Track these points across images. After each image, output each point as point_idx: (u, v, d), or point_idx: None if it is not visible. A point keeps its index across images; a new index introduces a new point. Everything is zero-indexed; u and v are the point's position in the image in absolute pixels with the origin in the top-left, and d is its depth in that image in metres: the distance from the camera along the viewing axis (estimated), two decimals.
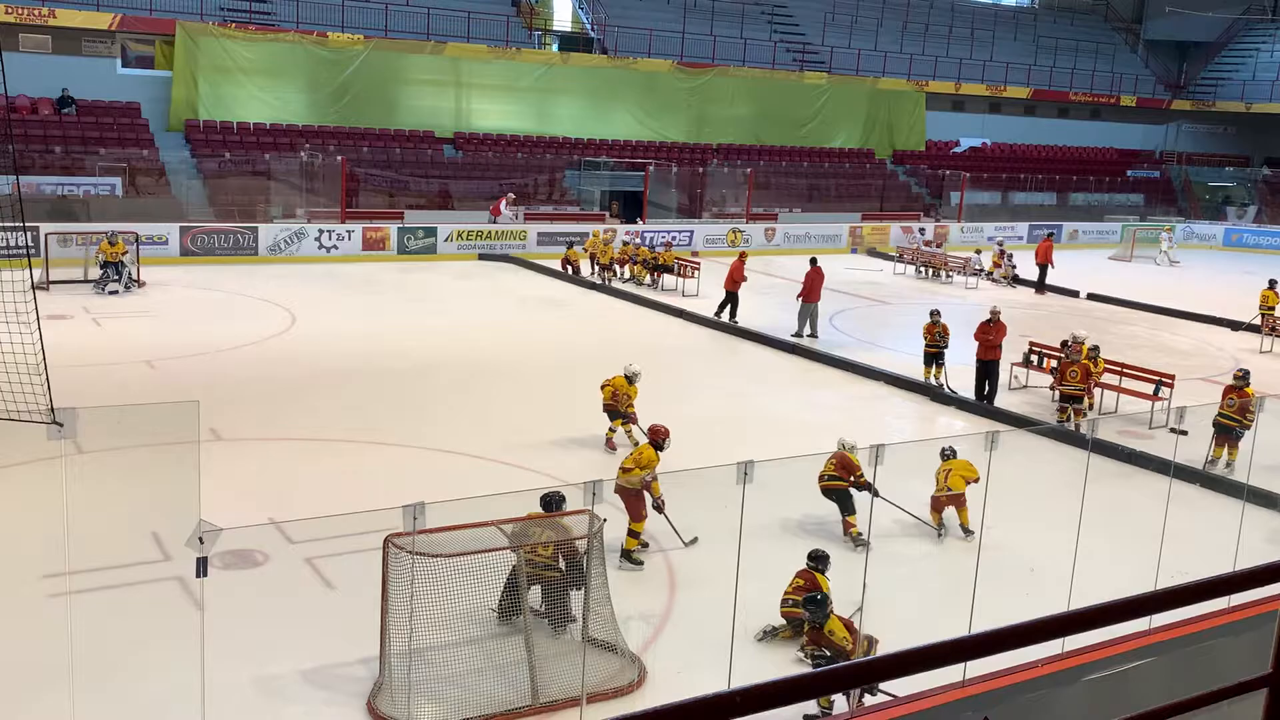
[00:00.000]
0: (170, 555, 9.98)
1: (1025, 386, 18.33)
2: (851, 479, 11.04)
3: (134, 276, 23.10)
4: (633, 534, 10.60)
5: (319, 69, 33.78)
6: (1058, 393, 16.44)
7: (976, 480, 10.62)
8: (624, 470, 10.93)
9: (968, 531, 11.25)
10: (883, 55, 44.47)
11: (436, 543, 7.95)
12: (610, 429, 14.12)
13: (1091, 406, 16.70)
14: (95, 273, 22.86)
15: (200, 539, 6.39)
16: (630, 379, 14.14)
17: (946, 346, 17.86)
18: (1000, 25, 50.29)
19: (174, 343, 18.59)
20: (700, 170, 38.19)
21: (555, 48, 39.69)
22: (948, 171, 42.74)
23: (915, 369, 18.36)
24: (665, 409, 16.61)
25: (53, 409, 11.60)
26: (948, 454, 11.78)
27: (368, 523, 10.15)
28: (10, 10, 28.46)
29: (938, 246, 34.72)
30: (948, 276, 31.08)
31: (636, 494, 10.56)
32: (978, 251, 32.08)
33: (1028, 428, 15.56)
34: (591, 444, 14.42)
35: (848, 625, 8.47)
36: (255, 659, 8.50)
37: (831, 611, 8.42)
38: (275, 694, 8.20)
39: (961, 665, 5.57)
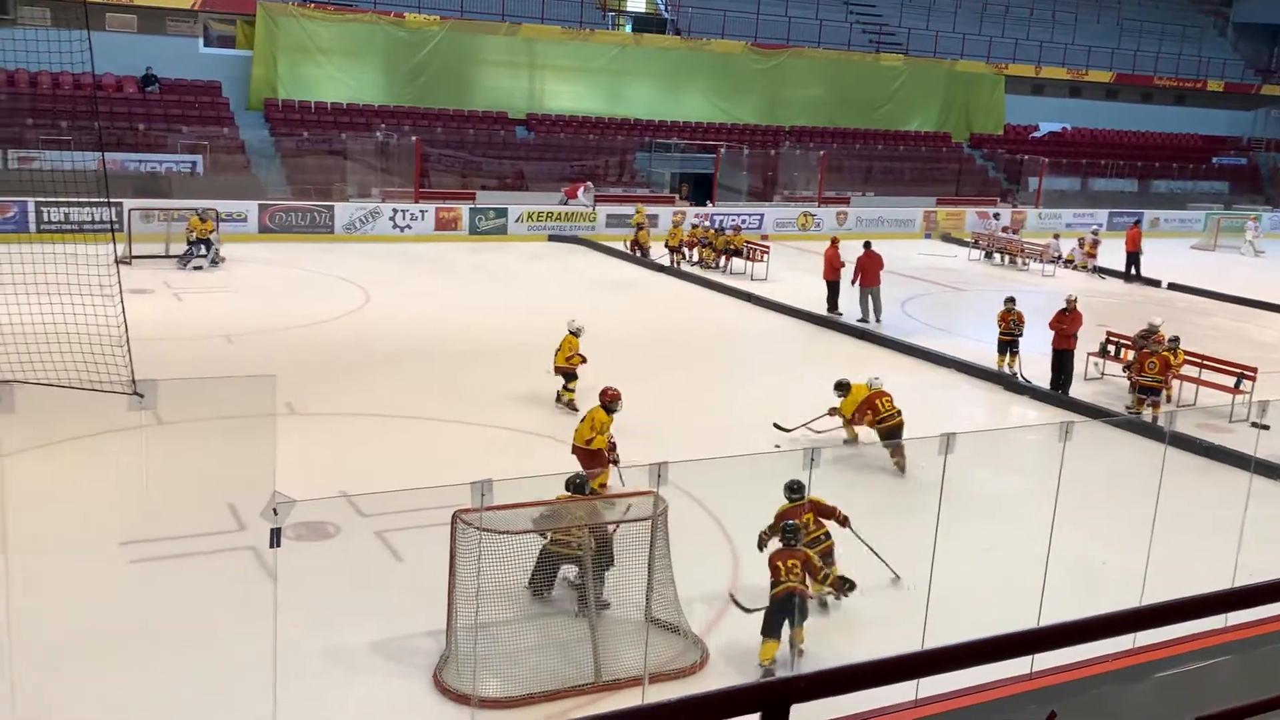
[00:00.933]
0: (245, 525, 10.22)
1: (1102, 377, 17.97)
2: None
3: (220, 253, 23.57)
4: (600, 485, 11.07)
5: (395, 49, 34.11)
6: (1134, 383, 16.09)
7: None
8: (581, 435, 11.39)
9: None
10: (961, 37, 43.69)
11: (503, 519, 8.03)
12: (566, 389, 14.71)
13: (1169, 399, 16.32)
14: (182, 248, 23.36)
15: (275, 510, 6.53)
16: (575, 334, 14.90)
17: (1021, 335, 17.55)
18: (1083, 7, 49.09)
19: (251, 318, 18.96)
20: (772, 153, 37.91)
21: (629, 29, 39.61)
22: (1026, 156, 41.92)
23: (988, 357, 18.08)
24: (730, 391, 16.61)
25: (134, 381, 11.92)
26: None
27: (436, 498, 10.28)
28: None
29: (1014, 233, 34.10)
30: (1023, 263, 30.53)
31: (590, 454, 11.21)
32: (1056, 237, 31.45)
33: (1103, 419, 15.26)
34: (653, 427, 14.43)
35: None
36: (325, 629, 8.67)
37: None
38: (344, 664, 8.36)
39: (1029, 658, 5.50)
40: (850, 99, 41.06)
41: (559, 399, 14.72)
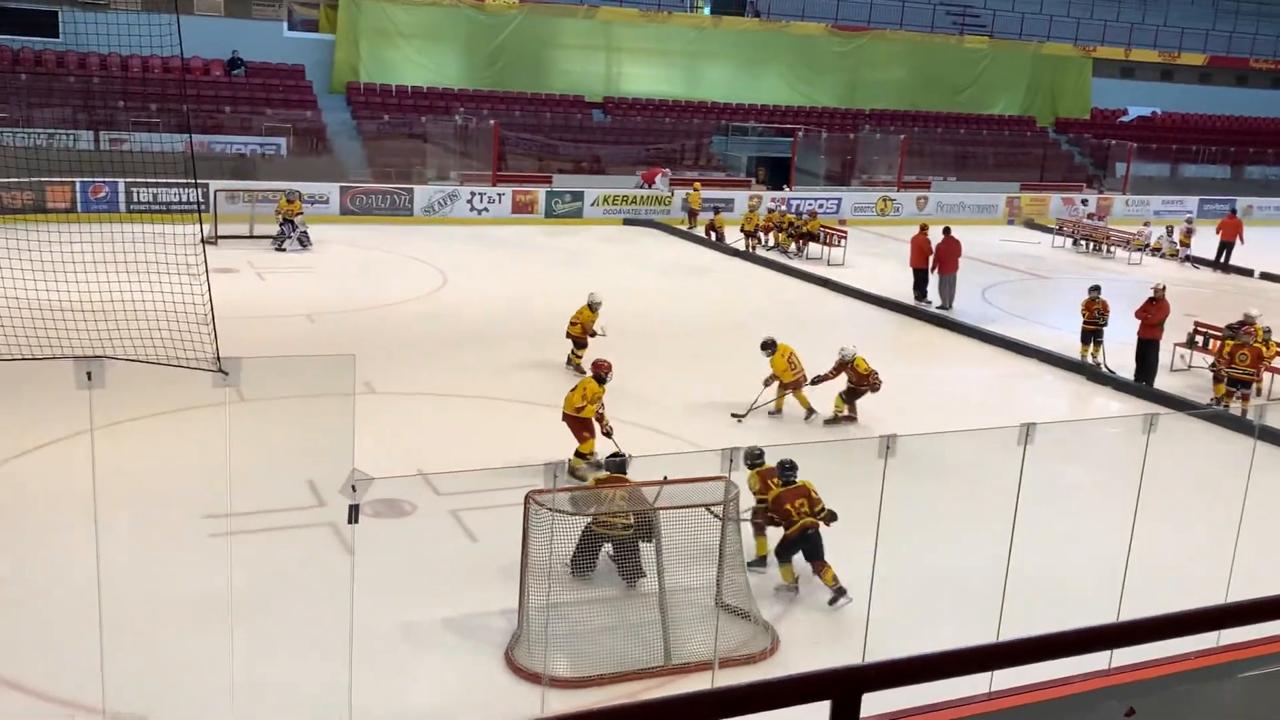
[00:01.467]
0: (324, 501, 10.41)
1: (1188, 368, 17.49)
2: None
3: (308, 235, 23.99)
4: (580, 455, 11.70)
5: (474, 33, 34.34)
6: (1221, 375, 15.62)
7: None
8: (572, 403, 11.78)
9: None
10: (1048, 19, 42.68)
11: (576, 501, 8.08)
12: (575, 354, 15.56)
13: (1260, 392, 15.84)
14: (269, 229, 23.80)
15: (353, 487, 6.63)
16: (592, 308, 15.70)
17: (1106, 324, 17.16)
18: None
19: (332, 298, 19.28)
20: (851, 136, 37.46)
21: (707, 11, 39.38)
22: (1114, 141, 40.86)
23: (1071, 347, 17.71)
24: (807, 378, 16.46)
25: (219, 358, 12.18)
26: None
27: (510, 478, 10.39)
28: None
29: (1100, 219, 33.31)
30: (1109, 251, 29.81)
31: (581, 422, 11.71)
32: (1145, 224, 30.65)
33: (1188, 411, 14.87)
34: (726, 411, 14.39)
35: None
36: (400, 605, 8.81)
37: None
38: (418, 640, 8.49)
39: (1108, 653, 5.39)
40: (932, 82, 40.39)
41: (568, 362, 15.58)
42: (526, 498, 8.01)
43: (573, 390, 12.00)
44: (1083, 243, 30.64)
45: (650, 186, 31.35)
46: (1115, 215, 35.92)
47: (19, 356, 13.10)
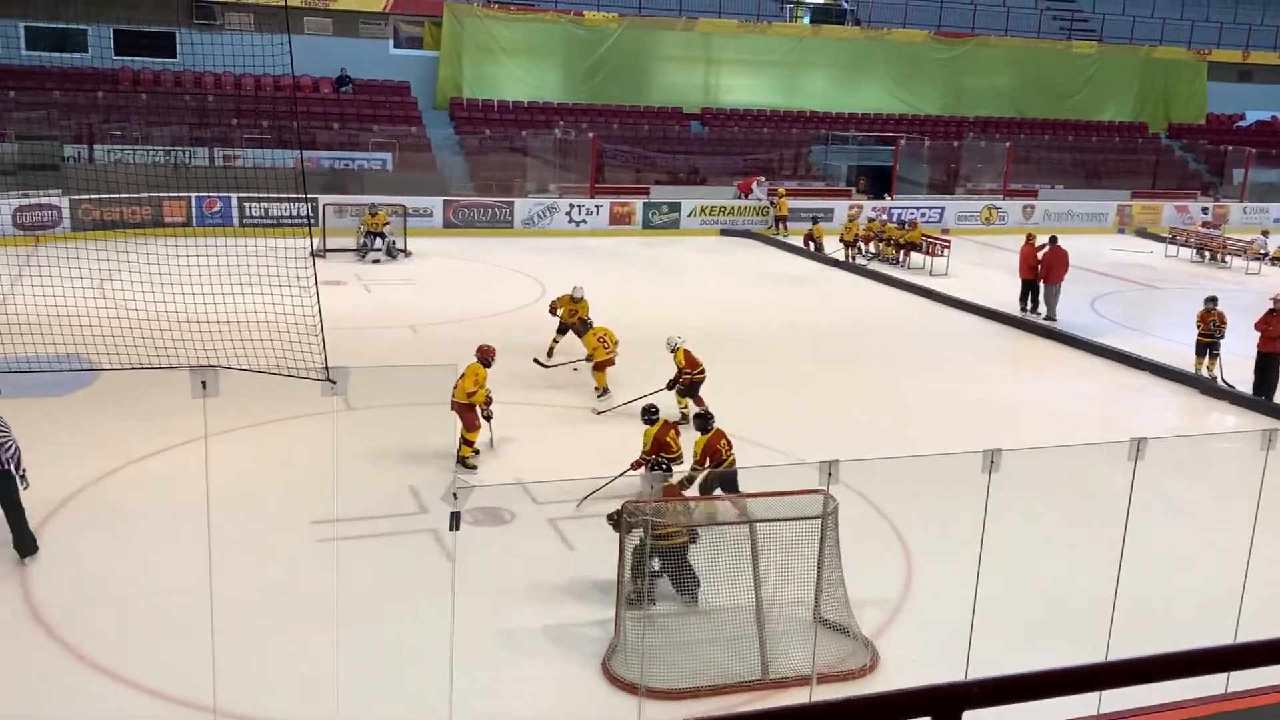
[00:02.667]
0: (426, 509, 10.60)
1: None
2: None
3: (398, 245, 24.50)
4: (466, 442, 11.95)
5: (574, 47, 34.71)
6: None
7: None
8: (463, 389, 11.94)
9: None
10: (1160, 22, 41.45)
11: (672, 512, 8.08)
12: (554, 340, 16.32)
13: None
14: (360, 242, 24.40)
15: (454, 495, 6.74)
16: (575, 299, 16.32)
17: (1222, 337, 16.55)
18: None
19: (435, 309, 19.64)
20: (955, 144, 36.86)
21: (806, 20, 39.18)
22: (1230, 147, 39.46)
23: (1186, 359, 17.13)
24: (905, 389, 16.25)
25: (327, 368, 12.51)
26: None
27: (608, 488, 10.44)
28: None
29: (1216, 228, 32.18)
30: (1224, 260, 28.79)
31: (469, 408, 11.91)
32: (1264, 233, 29.53)
33: None
34: (828, 423, 14.26)
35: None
36: (499, 613, 8.91)
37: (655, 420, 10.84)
38: (516, 648, 8.57)
39: (1224, 675, 5.19)
40: (1039, 88, 39.54)
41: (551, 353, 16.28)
42: (624, 507, 8.04)
43: (461, 376, 12.04)
44: (1198, 252, 29.64)
45: (747, 197, 31.28)
46: (1232, 223, 34.67)
47: (138, 366, 13.65)
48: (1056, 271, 20.64)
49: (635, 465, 10.78)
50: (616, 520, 8.56)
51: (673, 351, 14.04)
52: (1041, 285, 20.83)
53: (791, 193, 32.59)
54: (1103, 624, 8.02)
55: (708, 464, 10.26)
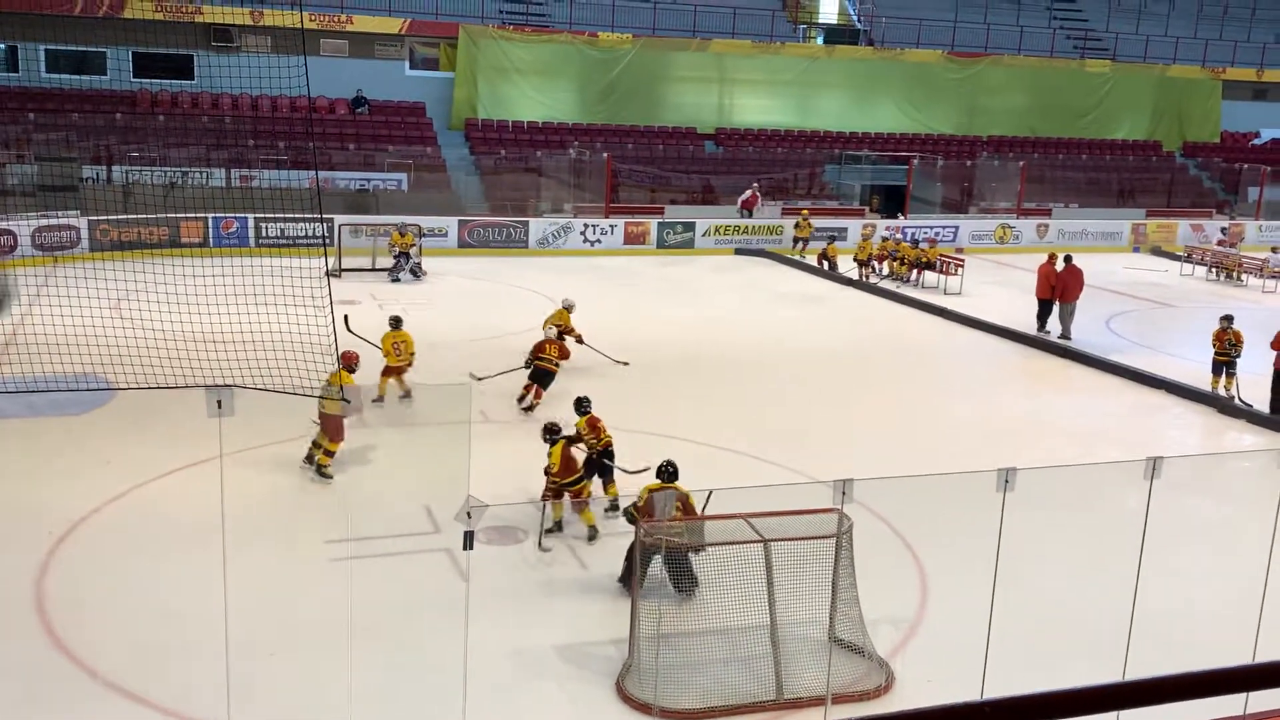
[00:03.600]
0: (440, 528, 10.60)
1: None
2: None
3: (422, 267, 24.60)
4: (328, 453, 12.00)
5: (589, 68, 34.87)
6: None
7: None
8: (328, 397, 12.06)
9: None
10: (1174, 41, 41.43)
11: (686, 531, 8.07)
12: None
13: None
14: (388, 262, 24.47)
15: (468, 514, 6.74)
16: (568, 309, 16.83)
17: (1239, 355, 16.47)
18: None
19: (450, 329, 19.68)
20: (968, 163, 36.85)
21: (820, 41, 39.29)
22: (1245, 165, 39.34)
23: (1202, 378, 17.05)
24: (920, 408, 16.21)
25: (341, 387, 12.55)
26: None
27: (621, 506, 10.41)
28: (314, 18, 30.92)
29: (1232, 246, 32.06)
30: (1240, 278, 28.67)
31: (336, 417, 12.00)
32: (1275, 250, 29.39)
33: None
34: (841, 442, 14.23)
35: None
36: (513, 632, 8.90)
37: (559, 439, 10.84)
38: (529, 667, 8.56)
39: (1243, 696, 5.15)
40: (1053, 107, 39.54)
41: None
42: (637, 527, 8.03)
43: (331, 380, 12.17)
44: (1213, 270, 29.53)
45: (750, 213, 31.18)
46: (1248, 241, 34.53)
47: (154, 385, 13.70)
48: (1072, 291, 20.59)
49: (551, 492, 10.76)
50: (632, 516, 8.91)
51: (564, 309, 15.65)
52: (1056, 304, 20.76)
53: (800, 210, 32.65)
54: (1119, 644, 7.97)
55: (588, 436, 11.07)
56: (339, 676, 8.02)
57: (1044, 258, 21.77)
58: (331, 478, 12.05)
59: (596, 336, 19.73)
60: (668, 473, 9.61)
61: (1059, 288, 20.68)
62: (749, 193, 31.55)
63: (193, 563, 9.50)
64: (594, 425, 11.42)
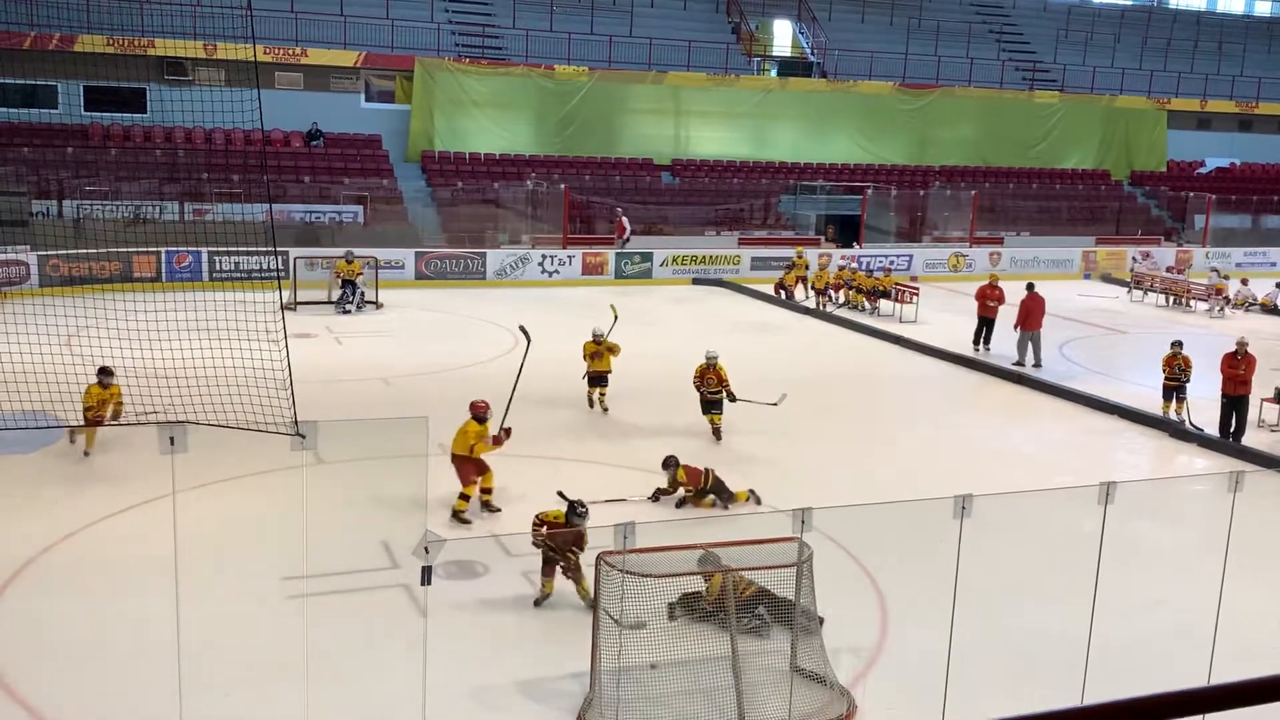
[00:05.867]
0: (398, 563, 10.50)
1: (1279, 426, 16.97)
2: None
3: (365, 297, 24.44)
4: (464, 497, 12.00)
5: (545, 100, 35.02)
6: None
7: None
8: (466, 444, 12.12)
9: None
10: (1120, 72, 42.35)
11: (647, 562, 8.04)
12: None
13: None
14: (336, 293, 24.35)
15: (426, 549, 6.68)
16: (597, 340, 16.90)
17: (1188, 380, 16.75)
18: (1253, 37, 47.03)
19: (407, 361, 19.58)
20: (921, 193, 37.34)
21: (774, 73, 39.73)
22: (1191, 194, 40.18)
23: (1153, 403, 17.31)
24: (877, 436, 16.31)
25: (296, 422, 12.42)
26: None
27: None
28: (268, 50, 30.83)
29: (1179, 273, 32.67)
30: (1187, 304, 29.20)
31: (471, 462, 12.08)
32: (1225, 277, 29.97)
33: (1278, 468, 14.40)
34: (800, 470, 14.28)
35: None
36: (472, 667, 8.80)
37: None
38: (489, 703, 8.47)
39: (1200, 718, 5.22)
40: (1003, 138, 40.22)
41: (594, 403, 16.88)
42: (598, 559, 7.99)
43: (469, 432, 12.17)
44: (1162, 296, 30.05)
45: (624, 239, 30.89)
46: (1196, 268, 35.19)
47: (105, 422, 13.50)
48: (1035, 318, 20.70)
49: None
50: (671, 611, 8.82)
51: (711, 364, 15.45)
52: (1018, 331, 20.86)
53: (761, 242, 32.87)
54: (1078, 668, 8.03)
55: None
56: (296, 716, 7.89)
57: (1013, 285, 22.10)
58: (469, 523, 11.88)
59: (556, 368, 19.76)
60: (578, 513, 9.71)
61: (1021, 315, 20.78)
62: (616, 222, 31.30)
63: (145, 602, 9.33)
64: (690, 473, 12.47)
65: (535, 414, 16.15)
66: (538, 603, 9.91)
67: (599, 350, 16.74)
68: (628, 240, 30.88)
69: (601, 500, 11.77)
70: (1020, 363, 20.66)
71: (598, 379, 16.82)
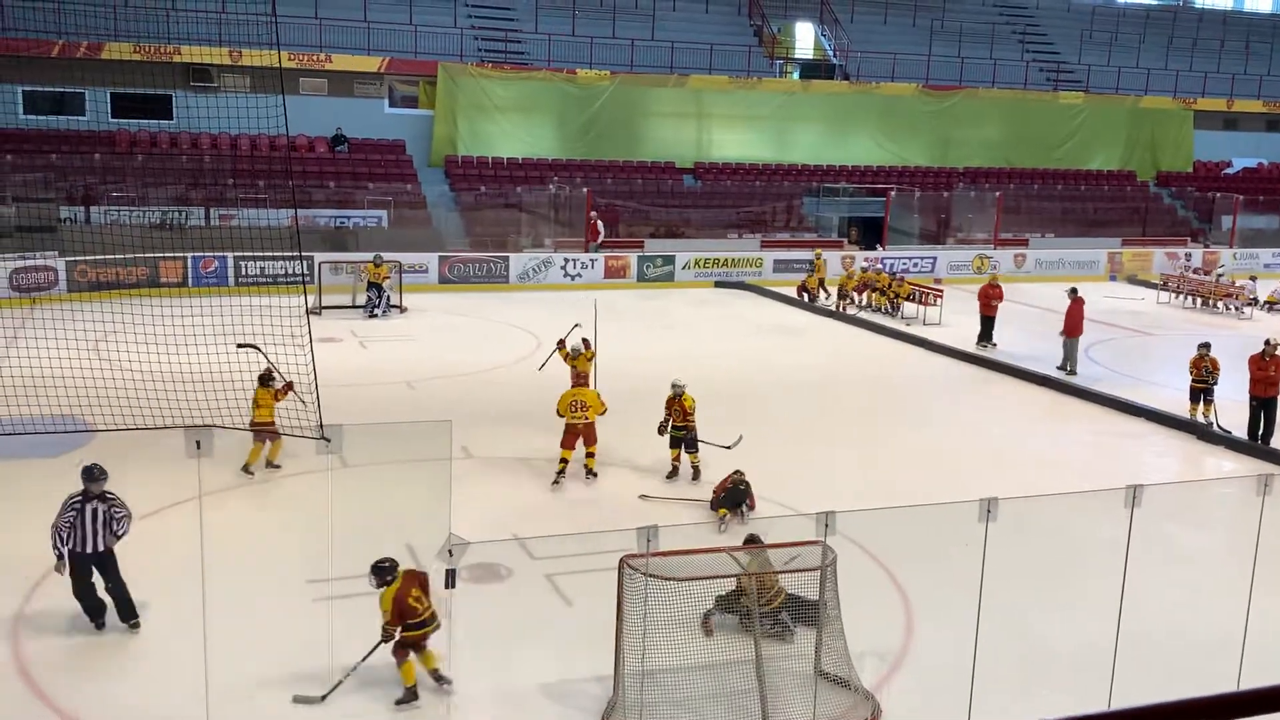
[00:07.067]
0: (423, 566, 10.52)
1: None
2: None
3: (391, 301, 24.58)
4: (590, 455, 13.49)
5: (568, 105, 35.08)
6: None
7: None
8: (582, 408, 13.47)
9: None
10: (1145, 72, 42.04)
11: (670, 566, 8.04)
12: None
13: None
14: (363, 297, 24.47)
15: (450, 551, 6.72)
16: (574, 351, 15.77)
17: (1216, 382, 16.59)
18: None
19: (431, 365, 19.65)
20: (945, 195, 37.17)
21: (796, 75, 39.66)
22: (1218, 194, 39.83)
23: (1180, 405, 17.16)
24: (904, 439, 16.25)
25: (322, 425, 12.50)
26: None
27: (604, 542, 10.38)
28: (293, 57, 31.00)
29: (1206, 274, 32.39)
30: (1214, 305, 28.95)
31: (591, 425, 13.49)
32: (1253, 279, 29.71)
33: None
34: (823, 474, 14.25)
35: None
36: (496, 670, 8.82)
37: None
38: (513, 705, 8.48)
39: None
40: (1027, 139, 39.99)
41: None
42: (621, 563, 8.00)
43: (588, 397, 13.67)
44: (1189, 298, 29.80)
45: (597, 242, 30.67)
46: (1223, 266, 34.87)
47: (133, 426, 13.61)
48: (1078, 324, 20.32)
49: (387, 637, 8.48)
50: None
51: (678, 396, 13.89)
52: (1062, 337, 20.50)
53: (783, 244, 32.80)
54: (1104, 672, 7.97)
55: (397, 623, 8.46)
56: (321, 717, 7.93)
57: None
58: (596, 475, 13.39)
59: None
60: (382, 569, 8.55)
61: (1066, 322, 20.35)
62: (590, 224, 31.06)
63: (172, 604, 9.41)
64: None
65: (558, 419, 16.17)
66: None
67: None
68: (601, 243, 30.85)
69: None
70: (1071, 369, 20.16)
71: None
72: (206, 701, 7.35)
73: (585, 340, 15.86)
